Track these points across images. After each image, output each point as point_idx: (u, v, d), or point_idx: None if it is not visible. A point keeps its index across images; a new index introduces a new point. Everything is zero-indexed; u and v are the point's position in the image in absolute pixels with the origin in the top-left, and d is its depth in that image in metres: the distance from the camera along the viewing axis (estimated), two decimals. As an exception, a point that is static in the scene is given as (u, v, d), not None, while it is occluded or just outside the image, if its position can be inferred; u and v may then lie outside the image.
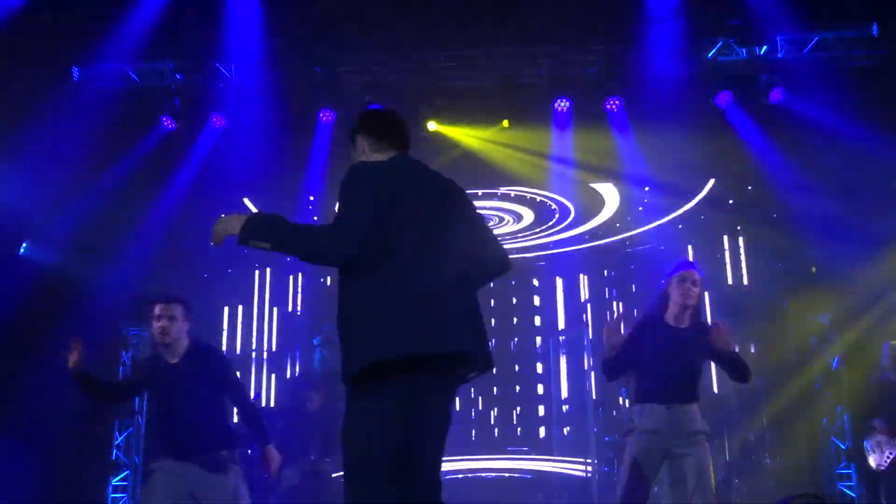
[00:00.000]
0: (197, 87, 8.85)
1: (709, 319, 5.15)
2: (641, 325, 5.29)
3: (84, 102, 8.49)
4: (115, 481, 9.00)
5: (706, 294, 5.29)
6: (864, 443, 7.09)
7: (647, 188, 10.19)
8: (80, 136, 8.34)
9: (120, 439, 9.12)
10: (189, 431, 4.98)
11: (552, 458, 9.87)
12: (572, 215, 10.57)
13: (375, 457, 2.88)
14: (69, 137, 8.22)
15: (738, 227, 10.24)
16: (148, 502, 4.93)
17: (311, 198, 10.37)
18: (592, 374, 10.11)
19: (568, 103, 8.78)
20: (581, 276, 10.79)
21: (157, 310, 4.97)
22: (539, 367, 10.46)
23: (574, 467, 9.70)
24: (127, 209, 9.07)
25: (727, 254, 10.30)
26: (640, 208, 10.44)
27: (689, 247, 10.26)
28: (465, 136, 9.26)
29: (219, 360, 5.22)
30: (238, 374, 5.34)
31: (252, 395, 5.39)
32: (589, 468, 9.49)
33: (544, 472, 9.79)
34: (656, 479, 5.12)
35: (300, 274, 10.75)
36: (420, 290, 2.97)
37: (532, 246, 10.80)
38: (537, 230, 10.75)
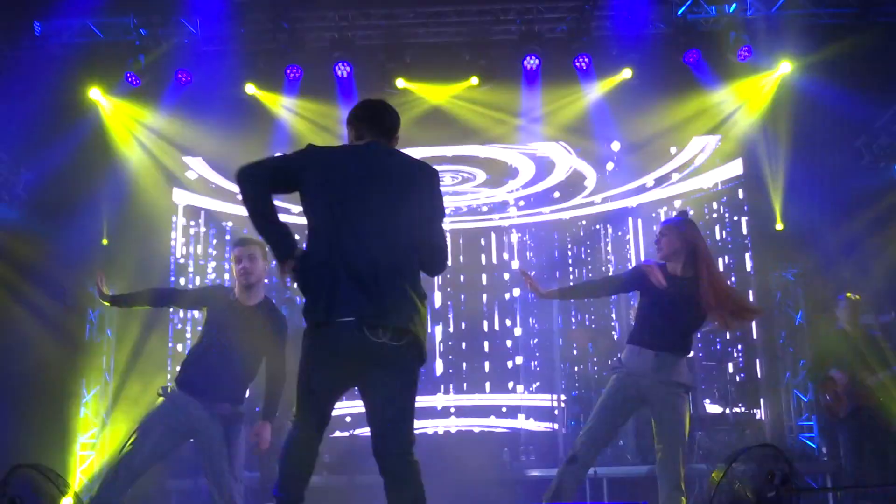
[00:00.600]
0: (161, 42, 8.70)
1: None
2: (647, 264, 5.40)
3: (46, 58, 8.37)
4: (83, 439, 9.00)
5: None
6: (826, 396, 7.24)
7: (611, 149, 10.22)
8: (43, 93, 8.23)
9: (88, 397, 9.10)
10: (220, 374, 5.06)
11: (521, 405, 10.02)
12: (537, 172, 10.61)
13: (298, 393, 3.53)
14: (31, 93, 8.11)
15: (710, 186, 10.27)
16: (149, 427, 5.00)
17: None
18: (560, 329, 10.21)
19: (537, 61, 8.74)
20: (553, 234, 10.83)
21: (237, 252, 5.18)
22: (508, 322, 10.53)
23: (543, 420, 9.84)
24: (91, 166, 8.96)
25: (699, 212, 10.35)
26: (610, 170, 10.46)
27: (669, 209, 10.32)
28: (434, 93, 9.21)
29: (283, 324, 5.30)
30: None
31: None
32: (557, 424, 9.63)
33: (512, 425, 9.91)
34: (624, 422, 5.25)
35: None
36: (318, 265, 3.41)
37: (500, 203, 10.82)
38: (506, 188, 10.76)
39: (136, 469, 4.91)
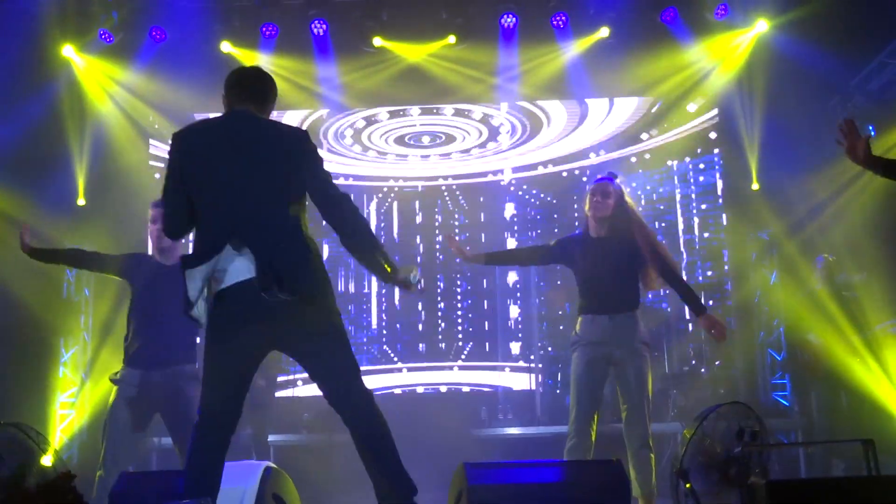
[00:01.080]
0: (135, -2, 8.60)
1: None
2: (567, 239, 5.49)
3: (18, 14, 8.21)
4: (62, 398, 9.01)
5: (636, 208, 5.46)
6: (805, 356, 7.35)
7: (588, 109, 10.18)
8: (16, 49, 8.12)
9: (66, 357, 9.09)
10: (160, 339, 5.09)
11: (499, 365, 10.09)
12: (519, 134, 10.58)
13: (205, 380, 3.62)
14: (3, 50, 7.98)
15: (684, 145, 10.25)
16: (116, 420, 5.04)
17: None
18: (539, 289, 10.26)
19: (514, 19, 8.70)
20: (530, 194, 10.80)
21: (154, 212, 5.19)
22: (485, 283, 10.55)
23: (521, 379, 9.92)
24: (66, 125, 8.88)
25: (675, 172, 10.35)
26: (583, 127, 10.44)
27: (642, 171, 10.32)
28: (411, 51, 9.14)
29: None
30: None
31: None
32: (534, 383, 9.73)
33: (490, 385, 9.97)
34: (603, 389, 5.32)
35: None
36: (207, 239, 3.53)
37: (485, 160, 10.79)
38: (485, 148, 10.73)
39: (121, 460, 5.00)
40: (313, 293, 3.54)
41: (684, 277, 5.72)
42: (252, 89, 3.77)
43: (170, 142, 3.66)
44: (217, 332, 3.55)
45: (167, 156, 3.66)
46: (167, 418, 5.15)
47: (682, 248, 10.10)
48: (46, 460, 4.13)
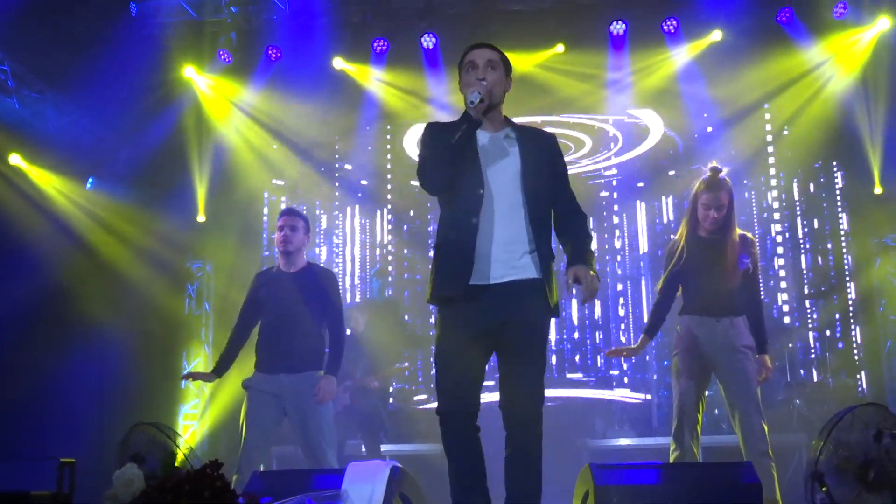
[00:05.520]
0: (252, 19, 8.82)
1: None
2: (677, 245, 5.33)
3: (142, 38, 8.56)
4: (185, 409, 9.28)
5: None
6: None
7: (704, 114, 9.95)
8: (140, 72, 8.47)
9: (189, 369, 9.34)
10: (286, 344, 5.23)
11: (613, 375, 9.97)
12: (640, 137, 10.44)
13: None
14: (129, 73, 8.34)
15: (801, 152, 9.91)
16: (251, 422, 5.20)
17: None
18: (648, 299, 10.11)
19: (624, 25, 8.61)
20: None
21: (281, 221, 5.41)
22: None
23: (636, 390, 9.78)
24: (188, 143, 9.20)
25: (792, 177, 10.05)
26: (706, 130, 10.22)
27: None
28: (519, 61, 9.11)
29: (331, 279, 5.54)
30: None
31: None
32: (648, 395, 9.58)
33: (604, 398, 9.85)
34: (705, 397, 5.18)
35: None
36: None
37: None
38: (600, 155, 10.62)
39: (255, 462, 5.17)
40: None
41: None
42: None
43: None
44: None
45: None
46: (291, 421, 5.26)
47: (802, 255, 9.81)
48: (185, 456, 4.25)
